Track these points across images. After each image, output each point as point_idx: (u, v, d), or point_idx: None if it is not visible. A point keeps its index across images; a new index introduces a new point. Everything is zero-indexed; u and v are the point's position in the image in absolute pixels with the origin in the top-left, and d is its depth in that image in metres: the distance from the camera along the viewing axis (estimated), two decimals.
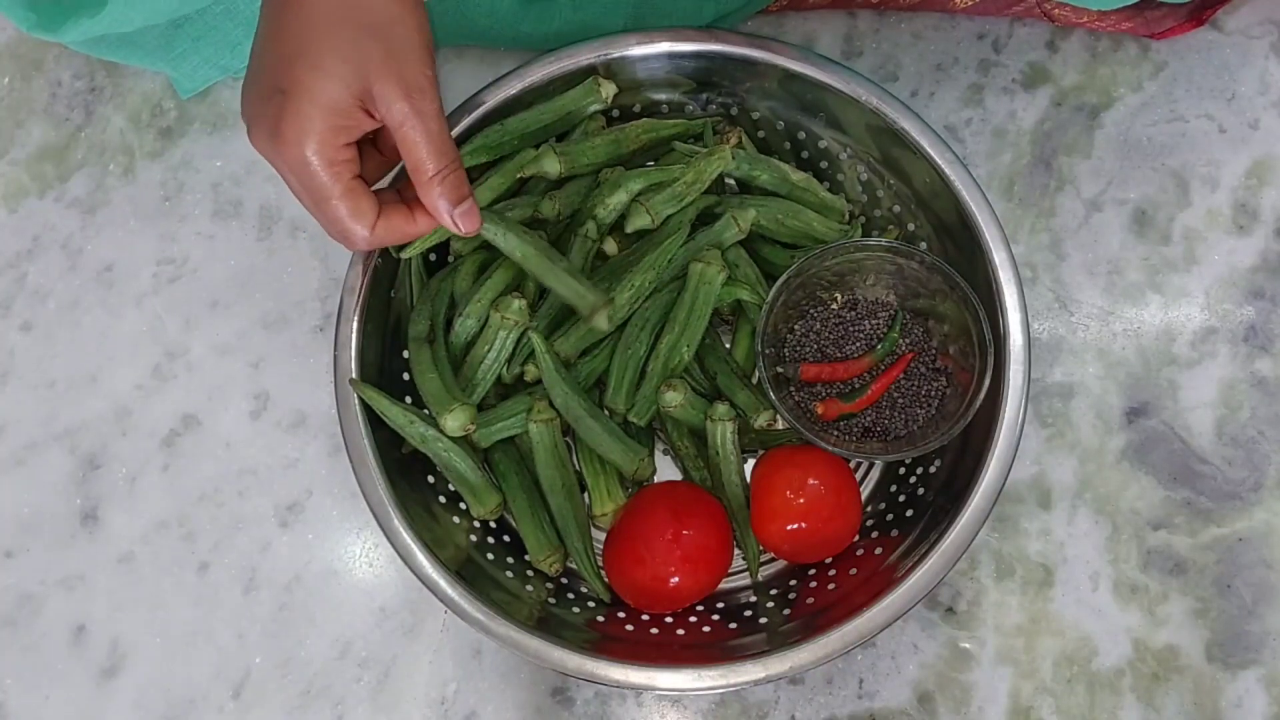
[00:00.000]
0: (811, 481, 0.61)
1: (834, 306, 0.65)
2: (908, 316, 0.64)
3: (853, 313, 0.65)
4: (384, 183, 0.58)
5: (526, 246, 0.61)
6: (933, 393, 0.63)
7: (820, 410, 0.63)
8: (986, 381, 0.59)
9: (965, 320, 0.61)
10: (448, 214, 0.54)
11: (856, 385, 0.64)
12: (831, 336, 0.65)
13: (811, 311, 0.65)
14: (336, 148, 0.51)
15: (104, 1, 0.61)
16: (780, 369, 0.64)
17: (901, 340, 0.64)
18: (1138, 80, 0.71)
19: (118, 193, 0.72)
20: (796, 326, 0.65)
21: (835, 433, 0.63)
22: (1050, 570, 0.66)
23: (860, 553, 0.63)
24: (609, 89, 0.65)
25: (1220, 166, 0.70)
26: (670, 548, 0.60)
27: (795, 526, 0.61)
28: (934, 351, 0.64)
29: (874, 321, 0.65)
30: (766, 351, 0.62)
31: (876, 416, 0.63)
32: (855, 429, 0.64)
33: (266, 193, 0.71)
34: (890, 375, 0.63)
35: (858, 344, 0.64)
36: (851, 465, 0.65)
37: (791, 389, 0.64)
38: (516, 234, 0.61)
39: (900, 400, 0.63)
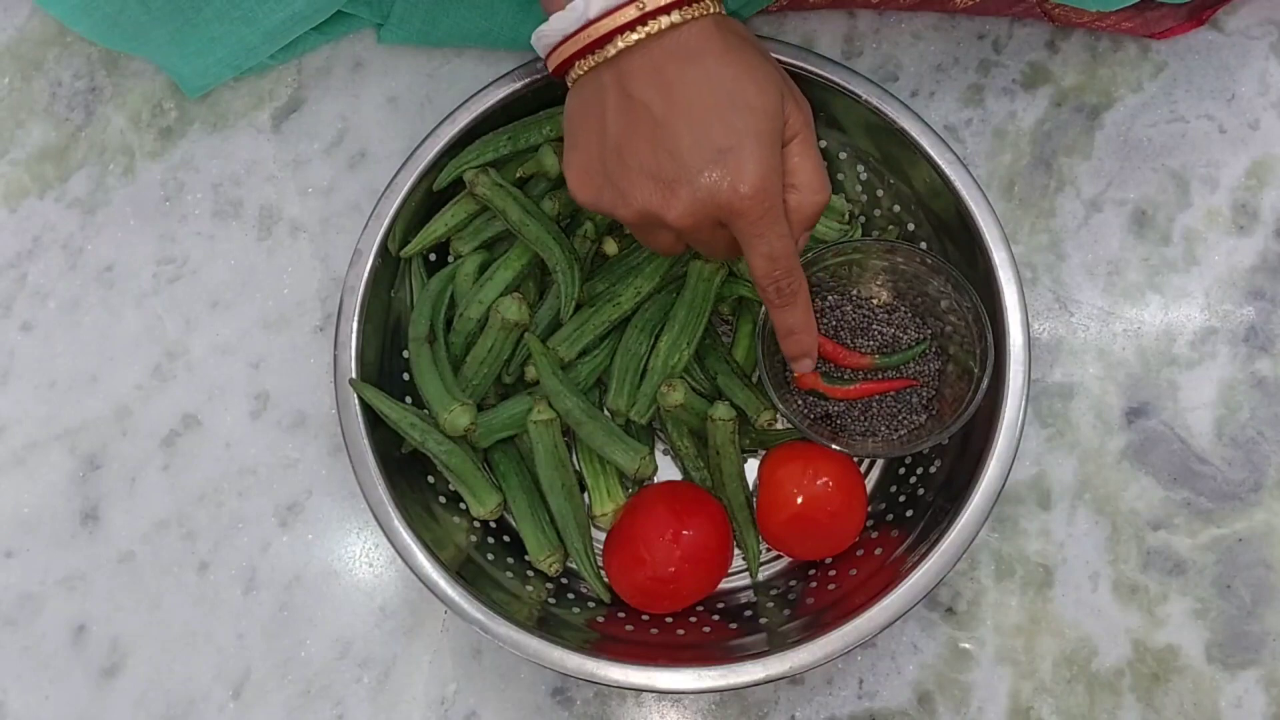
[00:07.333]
0: (820, 479, 0.61)
1: (875, 301, 0.65)
2: (934, 350, 0.64)
3: (884, 313, 0.65)
4: None
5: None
6: (907, 421, 0.63)
7: (795, 373, 0.63)
8: (985, 381, 0.59)
9: (965, 320, 0.61)
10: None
11: (845, 376, 0.64)
12: (850, 323, 0.64)
13: (850, 293, 0.65)
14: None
15: None
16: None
17: (914, 366, 0.64)
18: (1138, 81, 0.71)
19: (118, 192, 0.72)
20: (830, 298, 0.65)
21: (835, 431, 0.63)
22: (1050, 570, 0.66)
23: (860, 553, 0.63)
24: None
25: (1220, 167, 0.70)
26: (670, 548, 0.60)
27: (801, 520, 0.61)
28: (934, 391, 0.64)
29: (899, 331, 0.64)
30: (767, 350, 0.62)
31: (846, 409, 0.63)
32: (833, 422, 0.63)
33: (266, 193, 0.71)
34: (881, 387, 0.63)
35: (870, 343, 0.64)
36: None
37: (793, 392, 0.64)
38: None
39: (875, 410, 0.63)
